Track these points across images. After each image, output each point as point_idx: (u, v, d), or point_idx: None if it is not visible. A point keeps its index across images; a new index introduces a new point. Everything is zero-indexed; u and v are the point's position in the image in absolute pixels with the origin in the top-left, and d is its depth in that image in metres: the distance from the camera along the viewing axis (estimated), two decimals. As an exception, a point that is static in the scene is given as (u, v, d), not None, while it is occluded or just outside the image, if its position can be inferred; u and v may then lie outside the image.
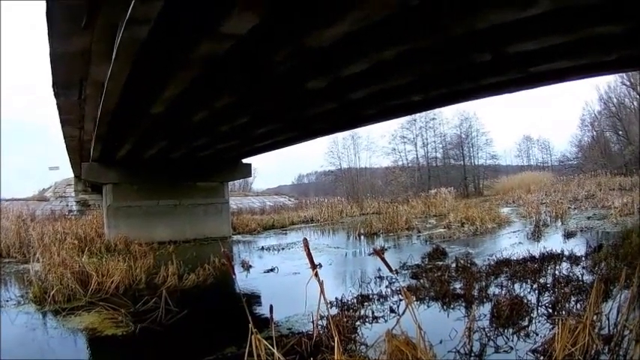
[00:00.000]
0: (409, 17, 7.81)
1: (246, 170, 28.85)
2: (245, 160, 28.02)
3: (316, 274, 5.18)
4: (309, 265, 5.25)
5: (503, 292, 9.43)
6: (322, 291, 5.21)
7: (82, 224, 27.09)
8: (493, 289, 10.02)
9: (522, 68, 10.86)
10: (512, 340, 6.71)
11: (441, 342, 6.31)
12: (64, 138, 22.88)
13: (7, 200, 40.36)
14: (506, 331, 7.12)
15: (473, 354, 6.19)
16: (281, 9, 7.22)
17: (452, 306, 9.10)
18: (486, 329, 7.01)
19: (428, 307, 9.09)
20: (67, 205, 42.49)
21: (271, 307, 5.62)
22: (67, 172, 42.91)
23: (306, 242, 5.35)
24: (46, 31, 9.41)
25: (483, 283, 10.50)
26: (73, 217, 34.93)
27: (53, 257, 13.41)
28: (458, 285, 10.66)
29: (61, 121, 18.81)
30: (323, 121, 17.08)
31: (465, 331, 6.44)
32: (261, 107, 14.13)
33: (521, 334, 6.98)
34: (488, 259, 13.81)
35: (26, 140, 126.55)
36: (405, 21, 7.96)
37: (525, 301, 8.40)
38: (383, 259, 5.75)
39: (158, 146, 19.89)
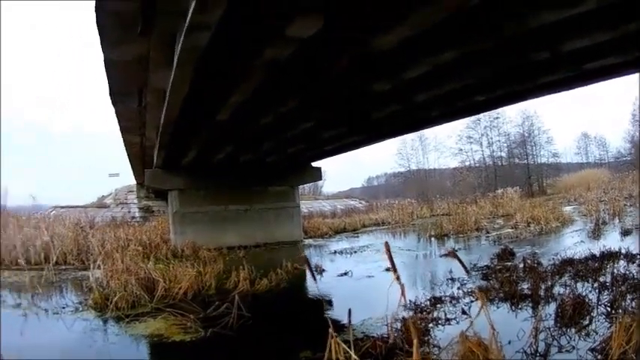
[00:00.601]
0: (465, 19, 7.87)
1: (317, 174, 28.78)
2: (315, 164, 27.94)
3: (398, 278, 5.28)
4: (391, 269, 5.36)
5: (566, 291, 9.53)
6: (403, 293, 5.32)
7: (145, 230, 27.38)
8: (558, 289, 10.10)
9: (576, 66, 10.84)
10: (574, 340, 6.76)
11: (509, 342, 6.40)
12: (125, 145, 23.18)
13: (62, 207, 40.96)
14: (569, 330, 7.22)
15: (538, 354, 6.25)
16: (343, 13, 7.28)
17: (519, 306, 9.23)
18: (551, 329, 7.10)
19: (497, 307, 9.19)
20: (129, 212, 43.06)
21: (349, 311, 5.71)
22: (127, 179, 43.58)
23: (387, 246, 5.49)
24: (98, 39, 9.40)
25: (549, 283, 10.59)
26: (136, 224, 35.30)
27: (116, 264, 13.47)
28: (525, 285, 10.76)
29: (121, 129, 19.05)
30: (388, 124, 17.09)
31: (532, 331, 6.51)
32: (326, 111, 14.20)
33: (583, 333, 7.08)
34: (553, 258, 13.87)
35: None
36: (462, 23, 8.02)
37: (587, 300, 8.41)
38: (460, 261, 6.15)
39: (224, 151, 19.93)
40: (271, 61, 9.06)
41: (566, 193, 47.09)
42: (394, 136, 23.26)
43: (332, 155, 25.67)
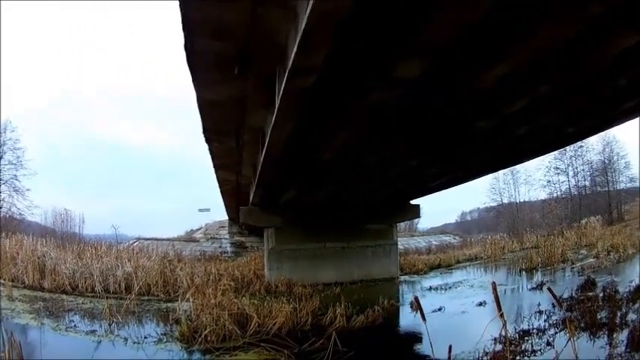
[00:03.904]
0: (555, 53, 7.85)
1: (415, 211, 28.31)
2: (413, 202, 27.57)
3: (502, 315, 5.45)
4: (496, 308, 5.56)
5: (637, 317, 9.79)
6: (505, 328, 5.49)
7: (237, 266, 27.89)
8: (631, 315, 10.53)
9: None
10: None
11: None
12: (218, 182, 23.71)
13: (146, 239, 41.74)
14: (636, 354, 7.46)
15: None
16: (446, 54, 7.19)
17: (597, 334, 9.58)
18: (622, 355, 7.26)
19: (578, 337, 9.21)
20: (221, 247, 43.49)
21: (450, 348, 5.94)
22: (217, 214, 45.43)
23: (494, 286, 5.76)
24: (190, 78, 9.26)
25: (624, 310, 11.01)
26: (228, 259, 36.03)
27: (207, 298, 13.56)
28: (604, 314, 11.10)
29: (215, 166, 19.22)
30: (488, 159, 16.80)
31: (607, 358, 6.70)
32: (429, 150, 13.98)
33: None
34: (629, 285, 14.34)
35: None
36: (552, 57, 8.00)
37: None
38: (554, 296, 6.93)
39: (325, 191, 19.50)
40: (377, 102, 8.90)
41: (640, 218, 46.40)
42: (493, 171, 23.11)
43: (433, 192, 24.94)
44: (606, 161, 61.83)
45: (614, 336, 9.09)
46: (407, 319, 14.77)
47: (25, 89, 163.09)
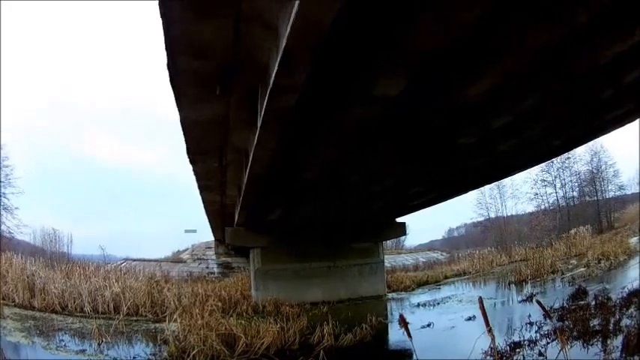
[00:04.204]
0: (539, 66, 7.83)
1: (401, 229, 28.41)
2: (399, 219, 27.57)
3: (490, 330, 5.45)
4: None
5: (632, 322, 9.81)
6: (493, 342, 5.48)
7: (224, 286, 27.49)
8: (625, 321, 10.55)
9: (638, 97, 10.68)
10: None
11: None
12: (204, 203, 23.63)
13: (134, 260, 41.51)
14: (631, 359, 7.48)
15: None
16: (427, 70, 7.17)
17: (591, 342, 9.63)
18: None
19: (571, 346, 9.28)
20: (207, 268, 43.16)
21: None
22: (204, 235, 44.86)
23: (481, 301, 5.82)
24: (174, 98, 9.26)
25: (617, 317, 11.01)
26: (215, 280, 35.62)
27: (194, 319, 13.60)
28: (596, 321, 11.15)
29: (200, 187, 19.20)
30: (472, 176, 16.89)
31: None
32: (412, 167, 14.06)
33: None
34: (621, 292, 14.38)
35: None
36: (537, 69, 7.97)
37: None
38: (543, 309, 6.86)
39: (310, 210, 19.49)
40: (361, 119, 8.96)
41: (632, 225, 46.46)
42: (478, 187, 23.43)
43: (417, 210, 25.11)
44: (594, 171, 61.84)
45: (608, 342, 9.17)
46: (396, 335, 14.72)
47: (14, 106, 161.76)
